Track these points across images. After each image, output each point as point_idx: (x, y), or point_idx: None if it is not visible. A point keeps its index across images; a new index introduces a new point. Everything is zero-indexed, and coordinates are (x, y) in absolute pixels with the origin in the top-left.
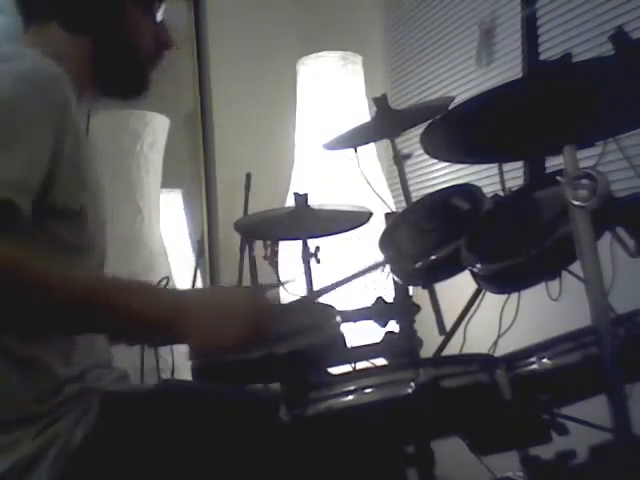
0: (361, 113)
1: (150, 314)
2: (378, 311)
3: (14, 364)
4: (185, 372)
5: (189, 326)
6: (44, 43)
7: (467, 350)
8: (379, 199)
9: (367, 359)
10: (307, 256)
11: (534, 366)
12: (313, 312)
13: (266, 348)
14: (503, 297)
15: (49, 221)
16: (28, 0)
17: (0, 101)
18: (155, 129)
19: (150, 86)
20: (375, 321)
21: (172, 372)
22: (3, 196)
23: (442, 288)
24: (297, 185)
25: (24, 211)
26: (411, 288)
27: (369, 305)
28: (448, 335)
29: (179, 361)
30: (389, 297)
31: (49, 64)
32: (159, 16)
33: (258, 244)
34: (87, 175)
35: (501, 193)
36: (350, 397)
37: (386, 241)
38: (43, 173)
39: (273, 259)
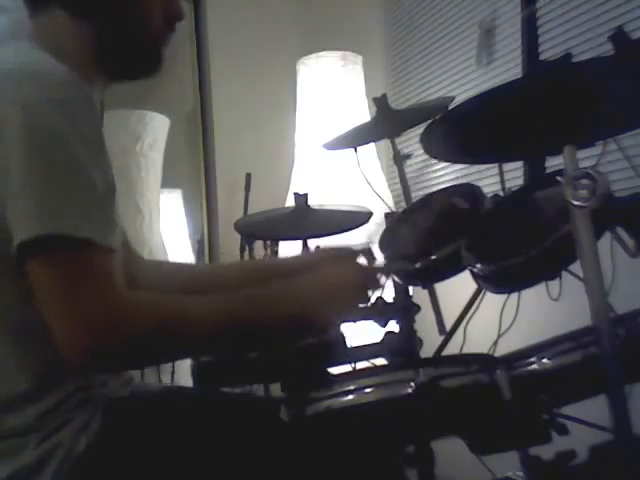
0: (361, 113)
1: (286, 319)
2: (378, 311)
3: (19, 370)
4: (185, 373)
5: (317, 315)
6: (50, 32)
7: (467, 350)
8: (379, 199)
9: (367, 359)
10: None
11: (534, 366)
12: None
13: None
14: (503, 297)
15: None
16: None
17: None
18: (155, 129)
19: (164, 61)
20: (375, 321)
21: (172, 373)
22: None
23: (442, 288)
24: (297, 185)
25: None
26: (411, 288)
27: (369, 305)
28: (448, 335)
29: (179, 361)
30: (389, 297)
31: (76, 82)
32: None
33: (258, 244)
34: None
35: (501, 193)
36: (350, 397)
37: (386, 241)
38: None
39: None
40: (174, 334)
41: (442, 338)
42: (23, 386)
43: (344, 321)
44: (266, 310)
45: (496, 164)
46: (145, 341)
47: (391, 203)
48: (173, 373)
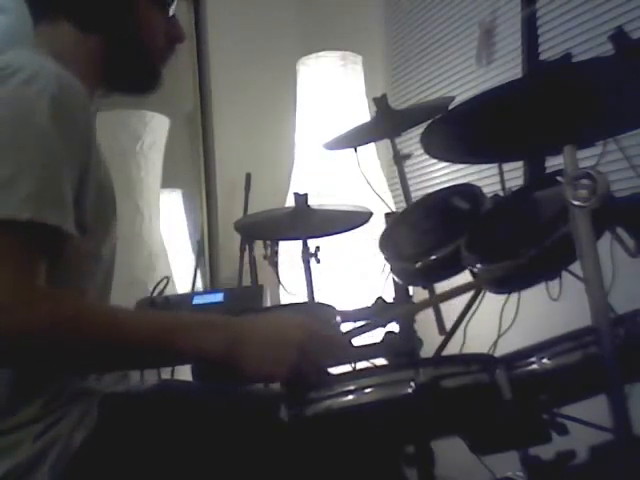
0: (361, 113)
1: (208, 351)
2: (378, 311)
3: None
4: (185, 371)
5: (242, 360)
6: (53, 42)
7: (467, 350)
8: (379, 199)
9: (367, 359)
10: (307, 256)
11: (534, 366)
12: (314, 312)
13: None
14: (503, 297)
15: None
16: None
17: (42, 129)
18: (155, 129)
19: (161, 81)
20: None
21: (172, 371)
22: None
23: (442, 288)
24: (297, 185)
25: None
26: (411, 288)
27: (369, 305)
28: (448, 335)
29: None
30: (389, 297)
31: (70, 80)
32: (171, 11)
33: (258, 244)
34: (108, 185)
35: (501, 193)
36: (350, 397)
37: (386, 241)
38: (72, 196)
39: (273, 259)
40: (81, 334)
41: (442, 338)
42: (17, 383)
43: (281, 380)
44: (192, 340)
45: (496, 164)
46: (44, 336)
47: (391, 203)
48: (173, 371)
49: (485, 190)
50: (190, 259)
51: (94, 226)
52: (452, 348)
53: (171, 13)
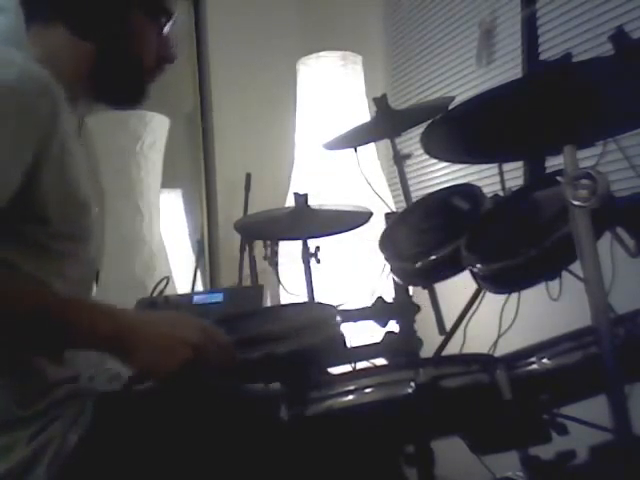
0: (361, 113)
1: (99, 330)
2: (378, 311)
3: (4, 366)
4: None
5: (131, 350)
6: (46, 44)
7: (467, 350)
8: (379, 199)
9: (367, 359)
10: (307, 256)
11: (534, 366)
12: (313, 312)
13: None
14: (503, 297)
15: (29, 228)
16: (36, 0)
17: None
18: (155, 129)
19: (146, 97)
20: (375, 321)
21: None
22: None
23: (442, 288)
24: (297, 185)
25: None
26: (411, 288)
27: (369, 305)
28: (448, 335)
29: None
30: (389, 297)
31: (37, 73)
32: (166, 29)
33: (258, 244)
34: (76, 183)
35: (501, 193)
36: (350, 397)
37: (386, 241)
38: (14, 184)
39: (273, 259)
40: None
41: (442, 338)
42: (8, 383)
43: (165, 376)
44: (86, 317)
45: (496, 164)
46: None
47: (391, 203)
48: None
49: (485, 190)
50: (190, 259)
51: (61, 223)
52: (452, 348)
53: (165, 32)
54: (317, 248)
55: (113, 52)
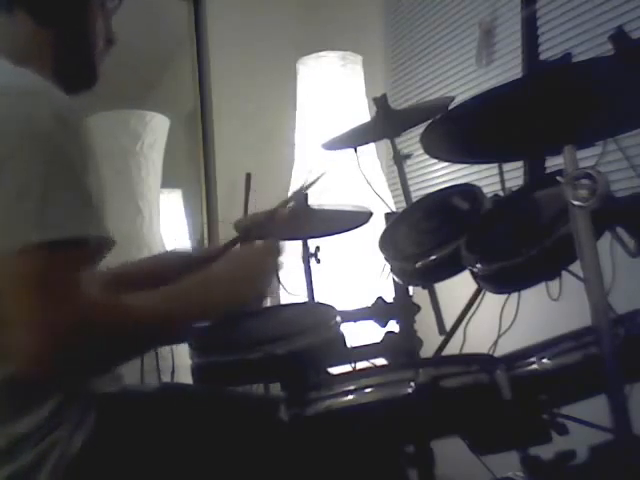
0: (361, 113)
1: (221, 302)
2: (378, 311)
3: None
4: (185, 372)
5: (245, 288)
6: (9, 34)
7: (467, 350)
8: (379, 199)
9: (367, 359)
10: (307, 256)
11: (534, 366)
12: (313, 312)
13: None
14: (503, 297)
15: None
16: None
17: None
18: (155, 129)
19: (97, 79)
20: (375, 321)
21: (172, 372)
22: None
23: (442, 288)
24: (297, 185)
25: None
26: (411, 288)
27: (369, 305)
28: (448, 335)
29: (179, 361)
30: (389, 297)
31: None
32: (111, 14)
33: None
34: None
35: (501, 193)
36: (350, 397)
37: (386, 241)
38: None
39: None
40: (127, 334)
41: (442, 338)
42: (12, 387)
43: (266, 287)
44: (203, 300)
45: (496, 164)
46: (104, 341)
47: (391, 203)
48: (173, 373)
49: (485, 190)
50: None
51: None
52: (452, 348)
53: (110, 16)
54: (317, 248)
55: (73, 37)
